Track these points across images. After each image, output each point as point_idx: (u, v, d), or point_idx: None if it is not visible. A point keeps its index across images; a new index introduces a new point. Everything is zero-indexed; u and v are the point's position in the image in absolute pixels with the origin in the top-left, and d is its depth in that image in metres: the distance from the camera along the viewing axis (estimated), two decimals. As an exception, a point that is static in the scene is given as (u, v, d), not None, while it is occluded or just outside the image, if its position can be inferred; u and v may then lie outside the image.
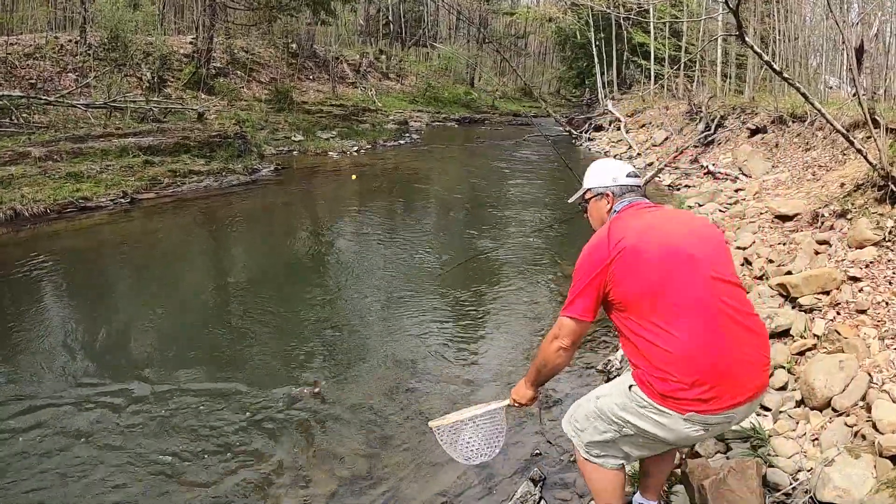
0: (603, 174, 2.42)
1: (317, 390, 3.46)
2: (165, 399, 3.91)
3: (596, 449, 2.29)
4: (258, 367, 4.38)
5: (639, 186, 2.40)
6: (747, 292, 2.23)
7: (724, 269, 2.10)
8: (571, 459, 3.27)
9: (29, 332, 4.89)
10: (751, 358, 2.02)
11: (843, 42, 7.64)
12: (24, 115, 11.20)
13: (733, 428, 3.13)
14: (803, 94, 5.12)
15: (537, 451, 3.40)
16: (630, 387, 2.11)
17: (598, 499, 2.40)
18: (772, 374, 3.57)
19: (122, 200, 9.43)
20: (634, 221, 2.18)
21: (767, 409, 3.38)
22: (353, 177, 11.56)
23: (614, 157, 16.79)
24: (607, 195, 2.37)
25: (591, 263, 2.13)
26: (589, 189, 2.45)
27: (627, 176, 2.39)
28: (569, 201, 2.61)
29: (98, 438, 3.47)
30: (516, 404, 2.55)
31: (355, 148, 16.61)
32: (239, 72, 20.88)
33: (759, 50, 5.20)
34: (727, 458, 2.99)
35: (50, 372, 4.24)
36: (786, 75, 5.14)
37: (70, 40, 15.78)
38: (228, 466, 3.28)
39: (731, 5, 4.64)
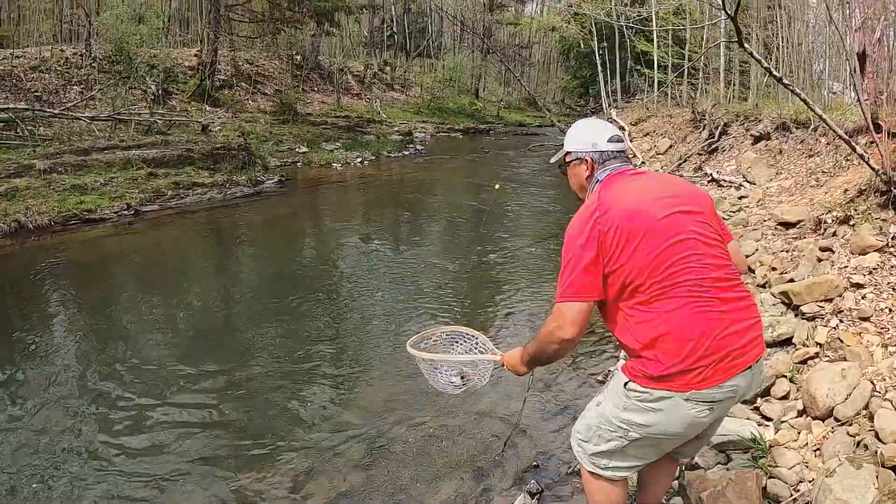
0: (582, 139, 2.31)
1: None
2: (165, 407, 3.90)
3: (603, 459, 2.20)
4: (260, 377, 4.36)
5: (621, 152, 2.28)
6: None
7: (715, 239, 2.08)
8: (569, 472, 3.23)
9: (33, 342, 4.88)
10: (744, 327, 1.99)
11: (846, 47, 7.61)
12: (29, 127, 11.27)
13: (733, 439, 3.09)
14: (804, 100, 5.07)
15: (535, 464, 3.35)
16: (625, 384, 2.04)
17: None
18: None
19: (126, 213, 9.45)
20: (622, 194, 2.09)
21: (769, 420, 3.33)
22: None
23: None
24: (586, 160, 2.28)
25: (586, 236, 2.02)
26: (568, 152, 2.35)
27: (609, 141, 2.27)
28: (550, 161, 2.50)
29: (97, 449, 3.46)
30: (504, 367, 2.46)
31: (359, 159, 16.62)
32: (243, 84, 21.00)
33: (758, 56, 5.17)
34: (727, 468, 2.93)
35: (52, 382, 4.22)
36: (786, 81, 5.10)
37: (75, 53, 15.95)
38: (226, 471, 3.26)
39: (729, 12, 4.63)
